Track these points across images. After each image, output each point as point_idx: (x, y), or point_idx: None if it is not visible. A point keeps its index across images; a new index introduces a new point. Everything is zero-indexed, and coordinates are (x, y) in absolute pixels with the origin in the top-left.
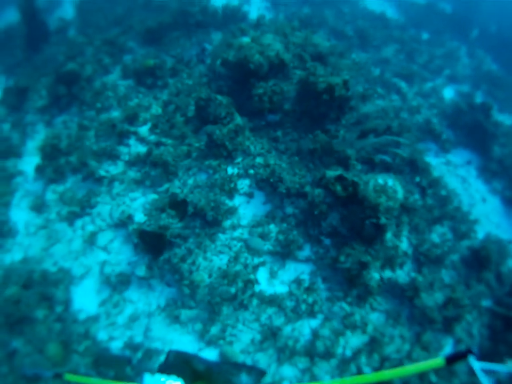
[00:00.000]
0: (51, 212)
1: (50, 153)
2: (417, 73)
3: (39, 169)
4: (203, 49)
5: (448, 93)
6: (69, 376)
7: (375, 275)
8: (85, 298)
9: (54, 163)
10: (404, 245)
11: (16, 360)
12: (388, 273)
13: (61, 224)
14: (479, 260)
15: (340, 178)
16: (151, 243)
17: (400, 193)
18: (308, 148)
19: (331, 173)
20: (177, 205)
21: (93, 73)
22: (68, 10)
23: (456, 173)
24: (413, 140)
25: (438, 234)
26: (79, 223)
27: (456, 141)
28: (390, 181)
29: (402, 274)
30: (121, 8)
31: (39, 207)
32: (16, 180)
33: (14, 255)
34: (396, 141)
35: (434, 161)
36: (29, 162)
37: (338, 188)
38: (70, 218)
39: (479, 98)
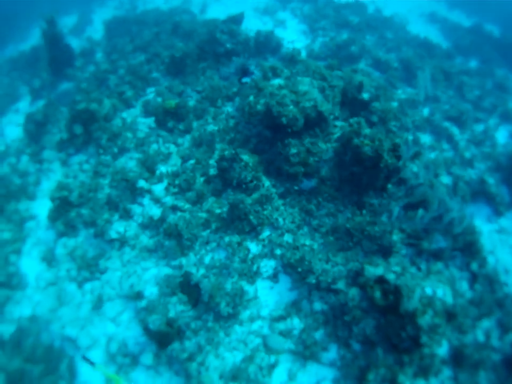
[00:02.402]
0: (61, 268)
1: (60, 205)
2: (468, 114)
3: (51, 219)
4: (244, 69)
5: (502, 136)
6: None
7: None
8: (90, 375)
9: (64, 216)
10: (443, 349)
11: None
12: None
13: (70, 285)
14: None
15: (380, 281)
16: (158, 338)
17: (450, 301)
18: (346, 228)
19: (371, 270)
20: (190, 289)
21: (112, 109)
22: (98, 28)
23: (509, 242)
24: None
25: (483, 330)
26: (88, 286)
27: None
28: (440, 291)
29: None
30: (148, 31)
31: (49, 260)
32: (28, 225)
33: (23, 309)
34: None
35: (486, 228)
36: (42, 205)
37: (378, 294)
38: (80, 280)
39: None
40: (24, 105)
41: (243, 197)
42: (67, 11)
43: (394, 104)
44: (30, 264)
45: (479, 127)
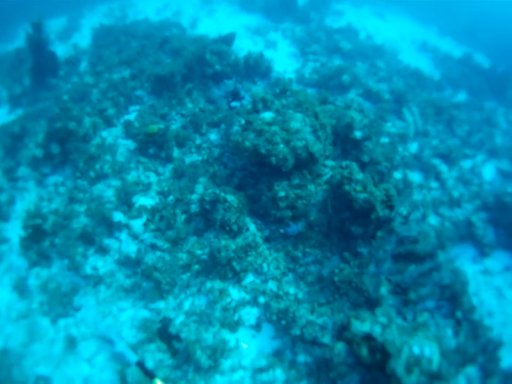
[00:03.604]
0: (34, 300)
1: (33, 234)
2: (457, 150)
3: (23, 247)
4: (235, 92)
5: (489, 172)
6: None
7: None
8: None
9: (37, 246)
10: None
11: None
12: None
13: (43, 319)
14: None
15: (367, 338)
16: None
17: (436, 362)
18: (332, 279)
19: (357, 326)
20: (169, 337)
21: (91, 128)
22: (85, 34)
23: (493, 283)
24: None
25: (465, 377)
26: (62, 322)
27: (497, 241)
28: (427, 350)
29: None
30: (136, 43)
31: (21, 290)
32: (0, 248)
33: None
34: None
35: (471, 269)
36: (16, 227)
37: (364, 351)
38: (53, 316)
39: None
40: (3, 112)
41: (226, 243)
42: (56, 13)
43: (385, 140)
44: (1, 292)
45: (467, 164)
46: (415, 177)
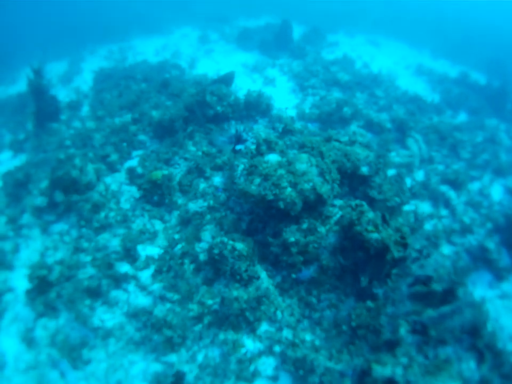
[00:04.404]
0: (42, 351)
1: (39, 285)
2: (464, 175)
3: (29, 299)
4: (238, 136)
5: (497, 193)
6: None
7: None
8: None
9: (43, 297)
10: None
11: None
12: None
13: (52, 372)
14: None
15: (389, 382)
16: None
17: None
18: (349, 323)
19: (378, 371)
20: None
21: (95, 175)
22: (86, 78)
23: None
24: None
25: None
26: (71, 376)
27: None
28: None
29: None
30: (136, 86)
31: (29, 341)
32: (6, 298)
33: None
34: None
35: (488, 294)
36: (21, 276)
37: None
38: (62, 369)
39: None
40: (6, 157)
41: (238, 293)
42: (57, 55)
43: (392, 171)
44: (8, 342)
45: (475, 186)
46: (425, 206)
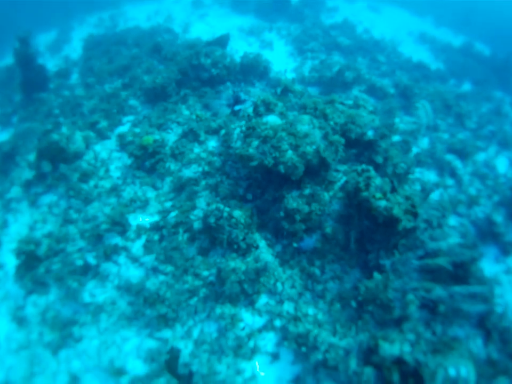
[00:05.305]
0: (33, 330)
1: (27, 260)
2: (469, 144)
3: (18, 275)
4: (236, 97)
5: (502, 165)
6: None
7: None
8: None
9: (32, 273)
10: None
11: None
12: None
13: (44, 351)
14: None
15: (398, 362)
16: None
17: (473, 380)
18: (354, 296)
19: (386, 348)
20: (179, 369)
21: (83, 143)
22: (76, 46)
23: None
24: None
25: None
26: (63, 353)
27: None
28: (463, 370)
29: None
30: (127, 52)
31: (20, 319)
32: None
33: None
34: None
35: (494, 269)
36: (10, 252)
37: (396, 377)
38: (54, 347)
39: None
40: None
41: (235, 265)
42: (46, 28)
43: (396, 137)
44: None
45: (481, 157)
46: (430, 175)
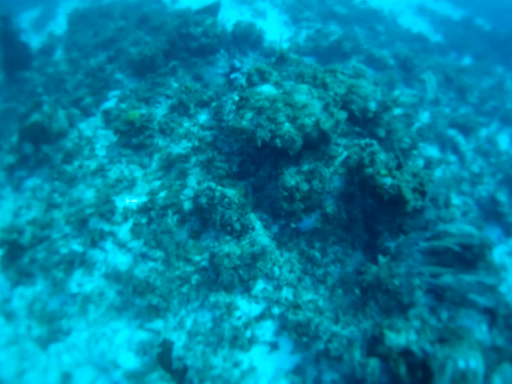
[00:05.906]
0: (21, 324)
1: (10, 251)
2: (471, 119)
3: (2, 265)
4: (231, 64)
5: (504, 141)
6: None
7: None
8: None
9: (17, 263)
10: None
11: None
12: None
13: (33, 345)
14: None
15: (405, 352)
16: None
17: (481, 374)
18: (356, 280)
19: (392, 338)
20: (173, 363)
21: (67, 121)
22: (61, 22)
23: None
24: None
25: (501, 375)
26: (53, 348)
27: None
28: (473, 362)
29: None
30: (113, 24)
31: (7, 312)
32: None
33: None
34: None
35: (497, 250)
36: None
37: (403, 369)
38: (43, 341)
39: None
40: None
41: (229, 249)
42: (31, 4)
43: (398, 110)
44: None
45: (482, 133)
46: (432, 150)
